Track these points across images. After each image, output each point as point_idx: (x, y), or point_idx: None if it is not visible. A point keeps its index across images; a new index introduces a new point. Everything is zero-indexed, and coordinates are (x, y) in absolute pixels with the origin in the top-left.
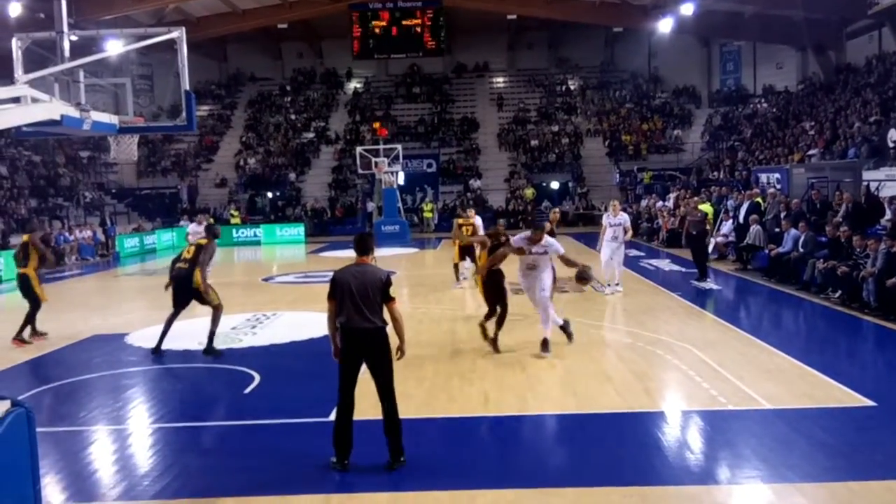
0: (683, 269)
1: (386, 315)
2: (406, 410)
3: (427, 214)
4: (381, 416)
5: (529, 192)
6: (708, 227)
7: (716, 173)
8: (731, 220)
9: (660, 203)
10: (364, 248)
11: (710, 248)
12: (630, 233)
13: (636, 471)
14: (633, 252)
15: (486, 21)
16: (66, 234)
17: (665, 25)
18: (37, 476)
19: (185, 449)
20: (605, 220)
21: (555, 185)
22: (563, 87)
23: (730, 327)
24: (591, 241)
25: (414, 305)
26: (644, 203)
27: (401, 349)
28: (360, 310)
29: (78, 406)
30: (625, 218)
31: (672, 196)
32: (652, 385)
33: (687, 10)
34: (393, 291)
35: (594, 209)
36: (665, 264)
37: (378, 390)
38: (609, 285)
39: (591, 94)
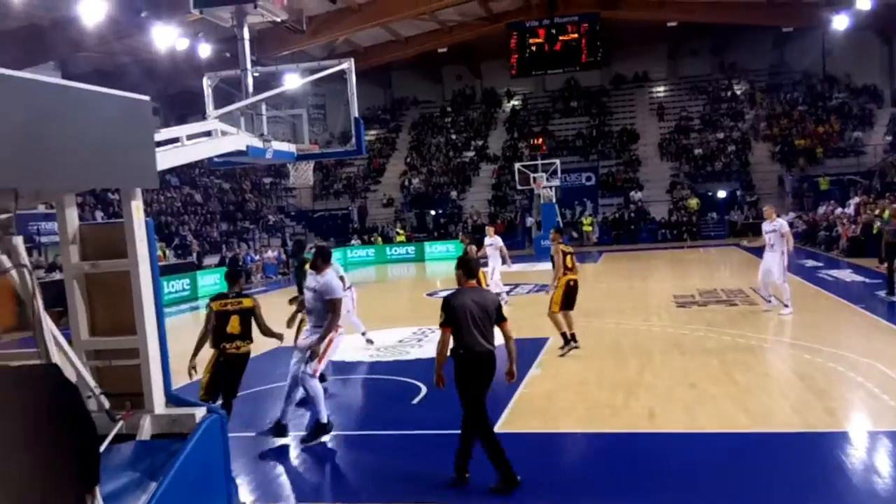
0: (867, 280)
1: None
2: (567, 424)
3: (587, 228)
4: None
5: (694, 203)
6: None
7: None
8: None
9: (839, 210)
10: (472, 272)
11: None
12: (790, 239)
13: (817, 495)
14: (811, 262)
15: (645, 30)
16: (253, 254)
17: (840, 22)
18: (229, 477)
19: (359, 456)
20: (763, 227)
21: (721, 193)
22: (729, 93)
23: None
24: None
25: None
26: (822, 210)
27: (511, 372)
28: (483, 333)
29: (263, 414)
30: (780, 223)
31: (853, 202)
32: (833, 404)
33: (864, 4)
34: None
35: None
36: (846, 275)
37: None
38: (770, 301)
39: (759, 98)
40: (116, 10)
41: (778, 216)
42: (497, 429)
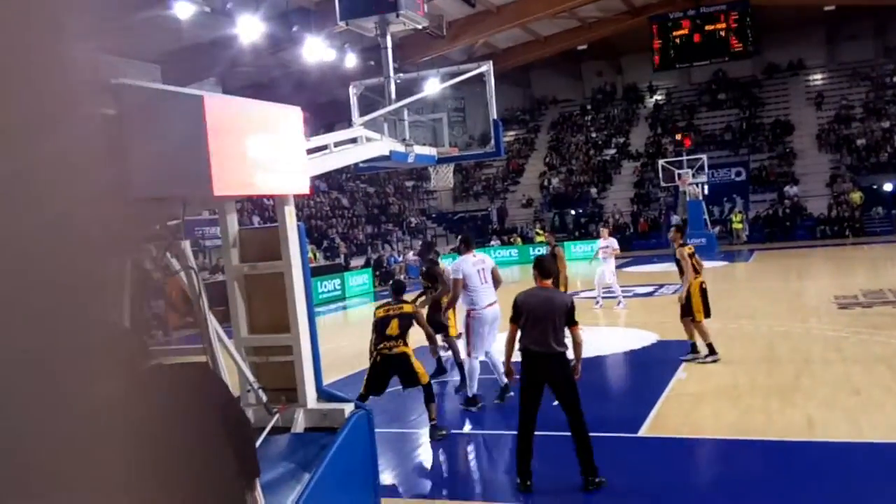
0: None
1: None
2: (716, 430)
3: (737, 226)
4: (572, 435)
5: (857, 197)
6: None
7: None
8: None
9: None
10: (547, 272)
11: None
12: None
13: None
14: None
15: (800, 16)
16: (396, 255)
17: None
18: (376, 471)
19: (501, 454)
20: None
21: (888, 187)
22: (894, 79)
23: None
24: None
25: (724, 321)
26: None
27: (576, 370)
28: (546, 334)
29: (408, 410)
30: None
31: None
32: None
33: None
34: (578, 316)
35: None
36: None
37: (567, 412)
38: None
39: None
40: (271, 26)
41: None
42: (641, 433)
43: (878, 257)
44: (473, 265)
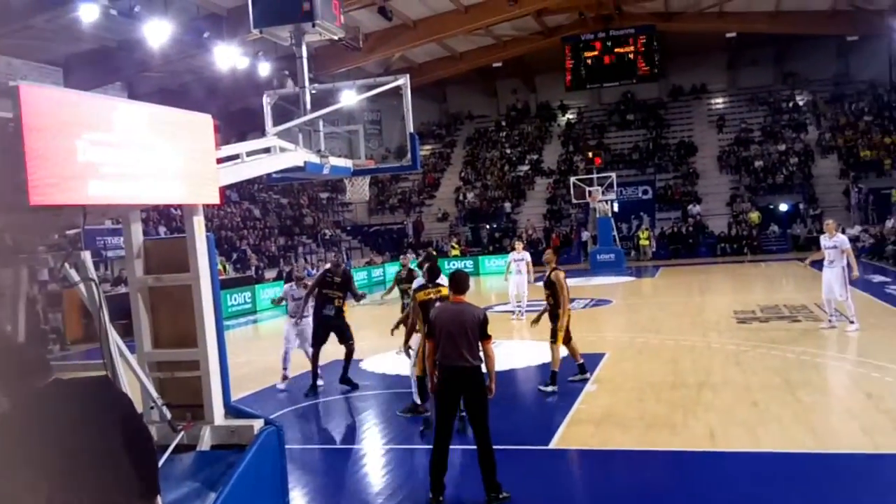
0: None
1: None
2: (624, 442)
3: (644, 242)
4: (477, 450)
5: (755, 216)
6: None
7: None
8: None
9: None
10: (461, 287)
11: None
12: (851, 256)
13: None
14: (879, 278)
15: (703, 41)
16: (310, 268)
17: None
18: (286, 489)
19: (413, 468)
20: (822, 242)
21: (783, 207)
22: (791, 104)
23: None
24: None
25: (631, 335)
26: (889, 224)
27: (489, 387)
28: (458, 348)
29: (320, 425)
30: (841, 239)
31: None
32: None
33: None
34: (490, 329)
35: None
36: None
37: (473, 426)
38: (832, 319)
39: (823, 109)
40: (181, 31)
41: (840, 231)
42: (552, 444)
43: (774, 274)
44: None
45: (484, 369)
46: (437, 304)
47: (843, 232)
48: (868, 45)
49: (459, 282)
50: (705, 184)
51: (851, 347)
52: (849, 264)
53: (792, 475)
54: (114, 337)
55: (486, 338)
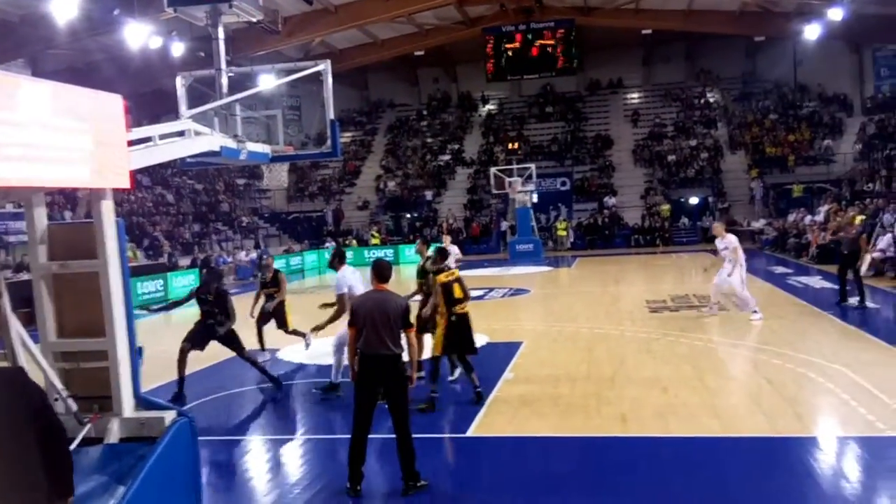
0: (836, 287)
1: (403, 341)
2: (540, 428)
3: (561, 233)
4: (396, 439)
5: (666, 209)
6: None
7: (871, 185)
8: (889, 235)
9: (808, 217)
10: (384, 275)
11: (866, 265)
12: (740, 252)
13: (788, 498)
14: (781, 269)
15: (620, 37)
16: (225, 256)
17: (812, 32)
18: (199, 482)
19: (331, 459)
20: (717, 245)
21: (693, 200)
22: (702, 100)
23: (889, 348)
24: None
25: (548, 324)
26: (791, 218)
27: (411, 378)
28: (381, 336)
29: (232, 417)
30: (731, 239)
31: (822, 209)
32: (803, 409)
33: (835, 15)
34: (412, 319)
35: (736, 224)
36: (815, 281)
37: (393, 415)
38: (712, 307)
39: (732, 107)
40: (89, 7)
41: (728, 232)
42: (469, 433)
43: (684, 265)
44: (353, 275)
45: (405, 358)
46: (457, 283)
47: (749, 225)
48: (774, 46)
49: (382, 270)
50: (620, 176)
51: (754, 335)
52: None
53: (699, 459)
54: (15, 326)
55: (408, 326)
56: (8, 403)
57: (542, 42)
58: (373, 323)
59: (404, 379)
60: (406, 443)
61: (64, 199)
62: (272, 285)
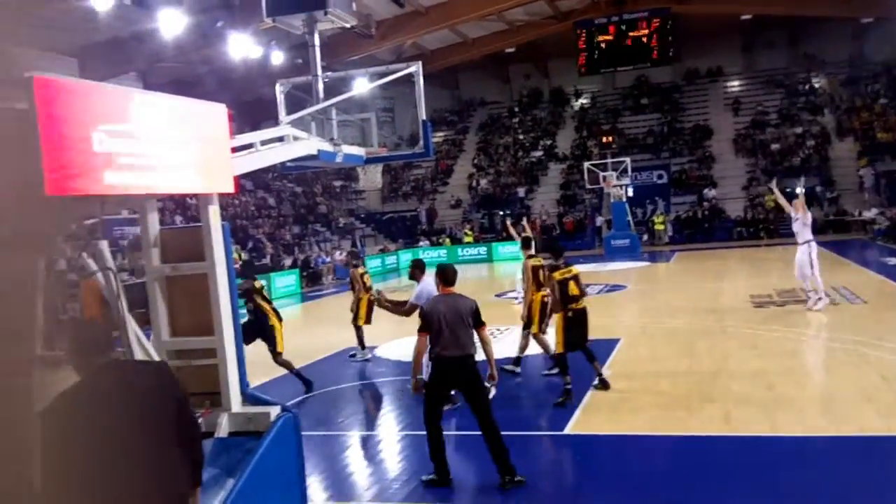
0: None
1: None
2: (639, 426)
3: (659, 227)
4: (485, 437)
5: (771, 200)
6: None
7: None
8: None
9: None
10: (450, 279)
11: None
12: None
13: None
14: (894, 261)
15: (718, 24)
16: (324, 256)
17: None
18: (303, 475)
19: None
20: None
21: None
22: (807, 86)
23: None
24: (843, 249)
25: (646, 320)
26: None
27: (492, 375)
28: (457, 338)
29: (336, 412)
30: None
31: None
32: None
33: None
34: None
35: (846, 214)
36: None
37: (478, 415)
38: (810, 296)
39: (839, 92)
40: (194, 21)
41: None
42: (567, 430)
43: (790, 258)
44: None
45: (481, 356)
46: (573, 281)
47: (860, 215)
48: (883, 27)
49: (448, 274)
50: (721, 167)
51: (868, 330)
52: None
53: (808, 458)
54: (132, 326)
55: (481, 325)
56: (155, 395)
57: (636, 33)
58: (448, 326)
59: (480, 378)
60: (497, 438)
61: (174, 205)
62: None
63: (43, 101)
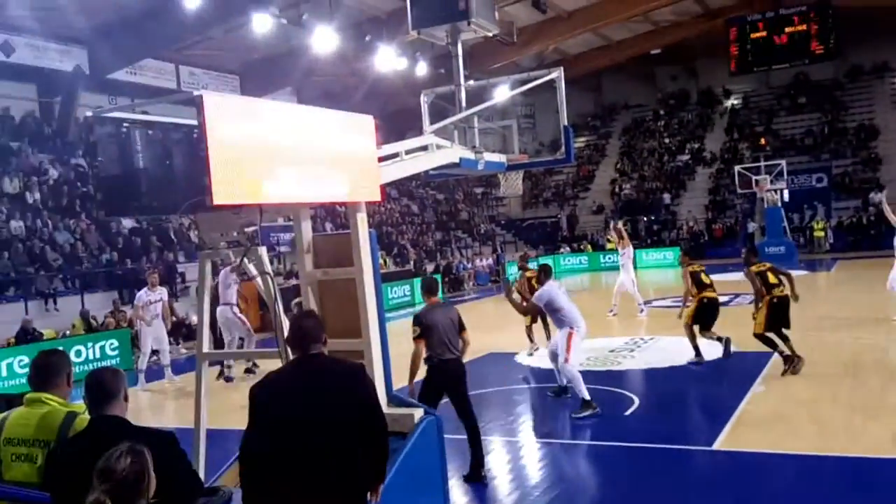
0: None
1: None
2: (796, 446)
3: (818, 233)
4: (467, 432)
5: None
6: None
7: None
8: None
9: None
10: (434, 290)
11: None
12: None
13: None
14: None
15: (885, 15)
16: (465, 262)
17: None
18: (445, 477)
19: (570, 465)
20: None
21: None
22: None
23: None
24: None
25: (804, 332)
26: None
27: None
28: (449, 343)
29: (483, 417)
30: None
31: None
32: None
33: None
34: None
35: None
36: None
37: (465, 411)
38: None
39: None
40: (345, 37)
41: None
42: (716, 446)
43: None
44: (558, 289)
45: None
46: (769, 273)
47: None
48: None
49: (432, 285)
50: (889, 169)
51: None
52: None
53: None
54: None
55: (464, 329)
56: (347, 392)
57: (793, 28)
58: (443, 332)
59: (466, 376)
60: (477, 433)
61: (324, 212)
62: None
63: (210, 117)
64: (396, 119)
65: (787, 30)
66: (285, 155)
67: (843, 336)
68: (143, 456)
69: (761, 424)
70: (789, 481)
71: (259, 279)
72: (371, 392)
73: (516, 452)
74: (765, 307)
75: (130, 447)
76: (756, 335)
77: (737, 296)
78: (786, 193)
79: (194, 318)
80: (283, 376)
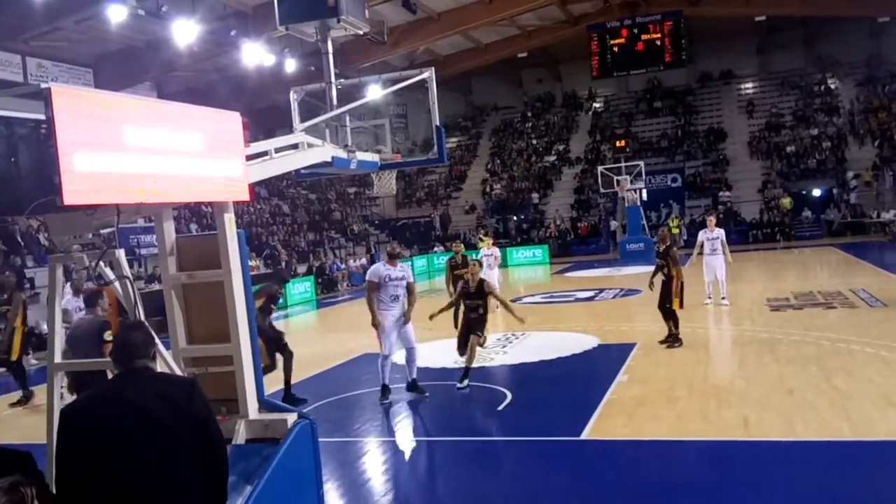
0: None
1: None
2: (656, 432)
3: (674, 230)
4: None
5: (787, 202)
6: None
7: None
8: None
9: None
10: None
11: None
12: (725, 246)
13: None
14: None
15: (731, 26)
16: (339, 263)
17: None
18: (320, 482)
19: (446, 462)
20: (700, 237)
21: (816, 192)
22: (822, 87)
23: None
24: (861, 252)
25: (662, 325)
26: None
27: None
28: None
29: (351, 419)
30: (720, 232)
31: None
32: None
33: None
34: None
35: (864, 216)
36: None
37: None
38: (710, 299)
39: (855, 92)
40: (207, 30)
41: (717, 226)
42: (584, 435)
43: (807, 260)
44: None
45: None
46: None
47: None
48: None
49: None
50: (736, 170)
51: (887, 334)
52: (724, 253)
53: (828, 464)
54: None
55: None
56: (177, 410)
57: (649, 36)
58: None
59: None
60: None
61: (189, 213)
62: (462, 267)
63: (60, 111)
64: (265, 116)
65: (643, 37)
66: (143, 152)
67: (696, 326)
68: (20, 492)
69: (625, 412)
70: (651, 465)
71: (118, 284)
72: (204, 406)
73: (392, 452)
74: (679, 287)
75: (11, 484)
76: (674, 311)
77: (601, 291)
78: (644, 193)
79: (44, 327)
80: (101, 394)
